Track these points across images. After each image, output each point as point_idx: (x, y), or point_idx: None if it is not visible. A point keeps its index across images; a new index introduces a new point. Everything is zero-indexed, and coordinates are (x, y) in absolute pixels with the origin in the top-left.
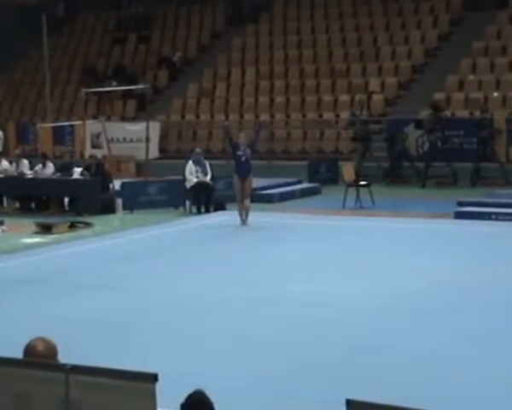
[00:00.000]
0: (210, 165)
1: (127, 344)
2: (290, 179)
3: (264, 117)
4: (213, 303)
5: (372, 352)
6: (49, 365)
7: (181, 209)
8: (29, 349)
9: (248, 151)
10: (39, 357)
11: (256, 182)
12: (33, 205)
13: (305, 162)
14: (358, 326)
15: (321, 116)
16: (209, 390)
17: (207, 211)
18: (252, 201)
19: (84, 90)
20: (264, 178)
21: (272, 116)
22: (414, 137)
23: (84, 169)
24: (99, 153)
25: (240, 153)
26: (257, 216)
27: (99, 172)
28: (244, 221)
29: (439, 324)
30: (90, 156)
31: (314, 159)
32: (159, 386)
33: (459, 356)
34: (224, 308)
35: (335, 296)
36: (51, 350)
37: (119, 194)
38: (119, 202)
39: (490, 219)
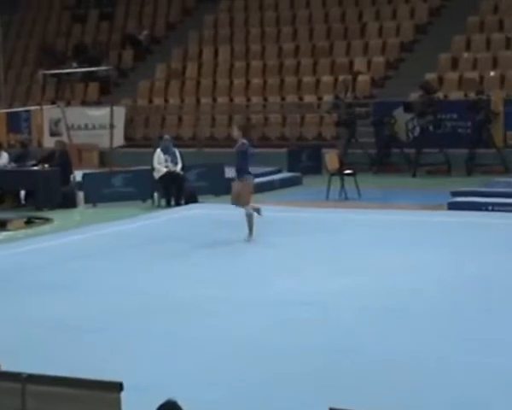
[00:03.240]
0: (180, 153)
1: (89, 350)
2: (268, 168)
3: (239, 100)
4: (185, 305)
5: (360, 356)
6: (3, 374)
7: (149, 202)
8: None
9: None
10: None
11: (233, 172)
12: None
13: (284, 150)
14: (346, 328)
15: (301, 99)
16: (181, 401)
17: (178, 204)
18: (225, 193)
19: (41, 72)
20: None
21: (248, 99)
22: (403, 122)
23: (43, 159)
24: None
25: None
26: (231, 209)
27: (63, 161)
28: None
29: (433, 325)
30: (57, 142)
31: (294, 146)
32: (124, 396)
33: (455, 361)
34: (198, 311)
35: (321, 295)
36: None
37: (80, 186)
38: (81, 195)
39: (487, 209)
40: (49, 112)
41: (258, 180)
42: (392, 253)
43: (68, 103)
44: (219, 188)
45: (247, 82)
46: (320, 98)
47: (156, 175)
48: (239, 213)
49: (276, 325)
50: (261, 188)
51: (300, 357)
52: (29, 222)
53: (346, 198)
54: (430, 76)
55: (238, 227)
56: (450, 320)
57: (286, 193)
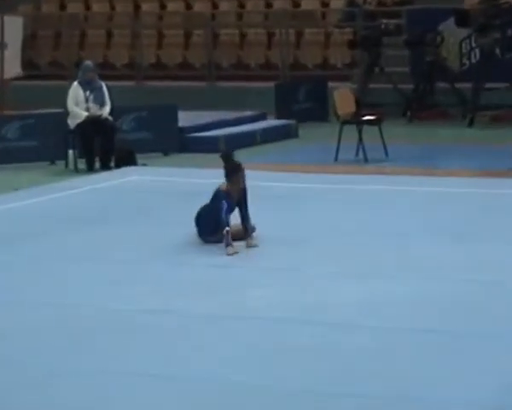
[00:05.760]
0: (109, 89)
1: None
2: (246, 113)
3: (200, 7)
4: (117, 324)
5: (391, 406)
6: None
7: (61, 164)
8: None
9: None
10: None
11: (191, 117)
12: None
13: (270, 84)
14: (364, 359)
15: (297, 5)
16: None
17: (105, 167)
18: (178, 150)
19: None
20: (202, 110)
21: (214, 5)
22: (455, 41)
23: None
24: None
25: None
26: (190, 175)
27: None
28: None
29: (496, 355)
30: None
31: (286, 78)
32: None
33: None
34: (138, 332)
35: (326, 309)
36: None
37: None
38: None
39: None
40: None
41: (231, 131)
42: (436, 244)
43: None
44: (170, 142)
45: None
46: (325, 4)
47: (72, 123)
48: (201, 181)
49: (254, 353)
50: (235, 142)
51: (294, 405)
52: None
53: (366, 160)
54: None
55: (200, 204)
56: None
57: (273, 151)
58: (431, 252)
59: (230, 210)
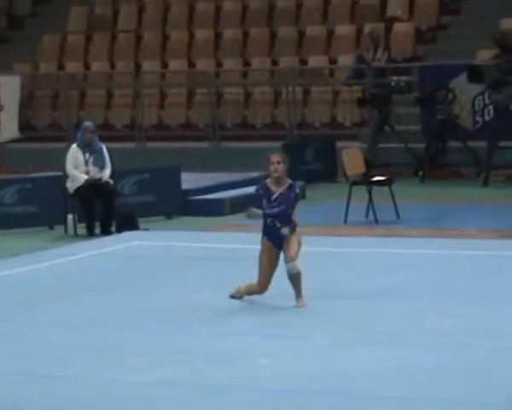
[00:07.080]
0: (109, 151)
1: None
2: (252, 174)
3: (204, 64)
4: (121, 394)
5: None
6: None
7: (59, 229)
8: None
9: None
10: None
11: (195, 179)
12: None
13: (277, 144)
14: None
15: (304, 62)
16: None
17: (106, 231)
18: (181, 213)
19: None
20: (207, 172)
21: (219, 63)
22: (468, 98)
23: None
24: None
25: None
26: (194, 239)
27: None
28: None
29: None
30: None
31: (293, 138)
32: None
33: None
34: (141, 402)
35: (333, 379)
36: None
37: None
38: None
39: None
40: None
41: (236, 193)
42: (451, 309)
43: None
44: (173, 205)
45: (218, 35)
46: (334, 61)
47: (71, 186)
48: (205, 245)
49: None
50: (240, 205)
51: None
52: None
53: (377, 221)
54: (510, 23)
55: (206, 271)
56: None
57: None
58: (446, 317)
59: (263, 198)
